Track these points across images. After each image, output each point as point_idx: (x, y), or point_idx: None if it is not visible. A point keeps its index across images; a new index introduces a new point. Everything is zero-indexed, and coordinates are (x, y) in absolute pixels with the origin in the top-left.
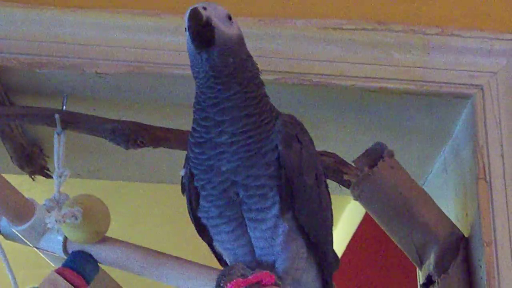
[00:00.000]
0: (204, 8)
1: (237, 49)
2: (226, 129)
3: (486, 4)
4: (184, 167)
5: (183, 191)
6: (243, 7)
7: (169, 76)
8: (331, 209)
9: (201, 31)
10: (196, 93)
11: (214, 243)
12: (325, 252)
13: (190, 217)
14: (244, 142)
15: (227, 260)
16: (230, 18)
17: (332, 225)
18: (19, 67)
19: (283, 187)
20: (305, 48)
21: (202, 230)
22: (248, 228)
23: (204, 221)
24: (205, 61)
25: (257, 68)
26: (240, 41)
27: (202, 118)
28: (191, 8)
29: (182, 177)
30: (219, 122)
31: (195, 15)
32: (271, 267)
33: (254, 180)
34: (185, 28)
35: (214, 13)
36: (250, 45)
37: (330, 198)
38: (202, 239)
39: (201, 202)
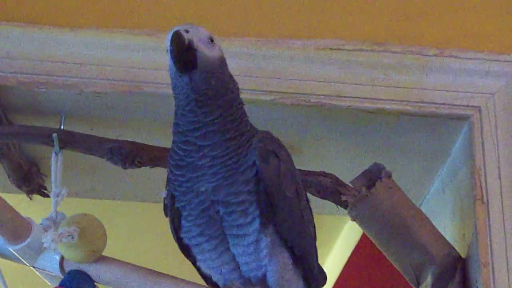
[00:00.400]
0: (187, 31)
1: (219, 71)
2: (208, 153)
3: (485, 25)
4: (165, 188)
5: (165, 213)
6: (241, 28)
7: (167, 95)
8: (313, 223)
9: (183, 54)
10: (176, 115)
11: (198, 264)
12: (310, 265)
13: (174, 238)
14: (224, 163)
15: (216, 281)
16: (212, 40)
17: (315, 238)
18: (17, 86)
19: (263, 202)
20: (303, 69)
21: (186, 251)
22: (230, 245)
23: (186, 241)
24: (187, 84)
25: (238, 88)
26: (222, 63)
27: (182, 142)
28: (173, 30)
29: (164, 198)
30: (200, 146)
31: (177, 38)
32: (260, 282)
33: (234, 197)
34: (167, 51)
35: (197, 36)
36: (247, 65)
37: (311, 212)
38: (188, 259)
39: (182, 222)
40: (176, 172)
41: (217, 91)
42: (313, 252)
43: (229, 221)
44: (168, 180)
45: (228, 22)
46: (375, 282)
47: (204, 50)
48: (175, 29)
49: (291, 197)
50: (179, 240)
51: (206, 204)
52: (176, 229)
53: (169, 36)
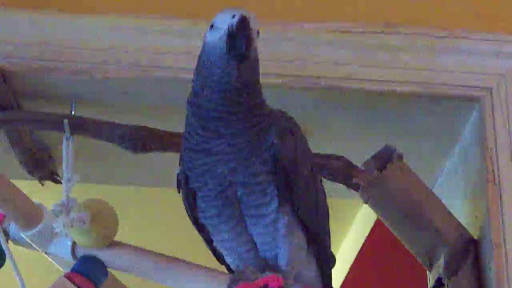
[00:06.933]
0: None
1: (257, 64)
2: (228, 140)
3: (495, 5)
4: (179, 164)
5: (178, 189)
6: (251, 11)
7: (178, 80)
8: (326, 202)
9: (245, 43)
10: (196, 95)
11: (215, 244)
12: (324, 245)
13: (189, 216)
14: (242, 150)
15: (229, 260)
16: (258, 32)
17: (328, 217)
18: (27, 72)
19: (280, 180)
20: (313, 51)
21: (202, 229)
22: (248, 226)
23: (202, 220)
24: (232, 72)
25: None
26: (258, 56)
27: (201, 127)
28: (240, 14)
29: (178, 174)
30: (221, 134)
31: (246, 25)
32: (275, 261)
33: (253, 177)
34: (229, 34)
35: (253, 25)
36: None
37: (324, 192)
38: (203, 239)
39: (198, 202)
40: (192, 155)
41: (255, 83)
42: (327, 232)
43: (247, 201)
44: (182, 158)
45: (238, 6)
46: (390, 266)
47: (255, 41)
48: (241, 13)
49: (306, 175)
50: (194, 219)
51: (225, 185)
52: (191, 208)
53: (225, 17)
